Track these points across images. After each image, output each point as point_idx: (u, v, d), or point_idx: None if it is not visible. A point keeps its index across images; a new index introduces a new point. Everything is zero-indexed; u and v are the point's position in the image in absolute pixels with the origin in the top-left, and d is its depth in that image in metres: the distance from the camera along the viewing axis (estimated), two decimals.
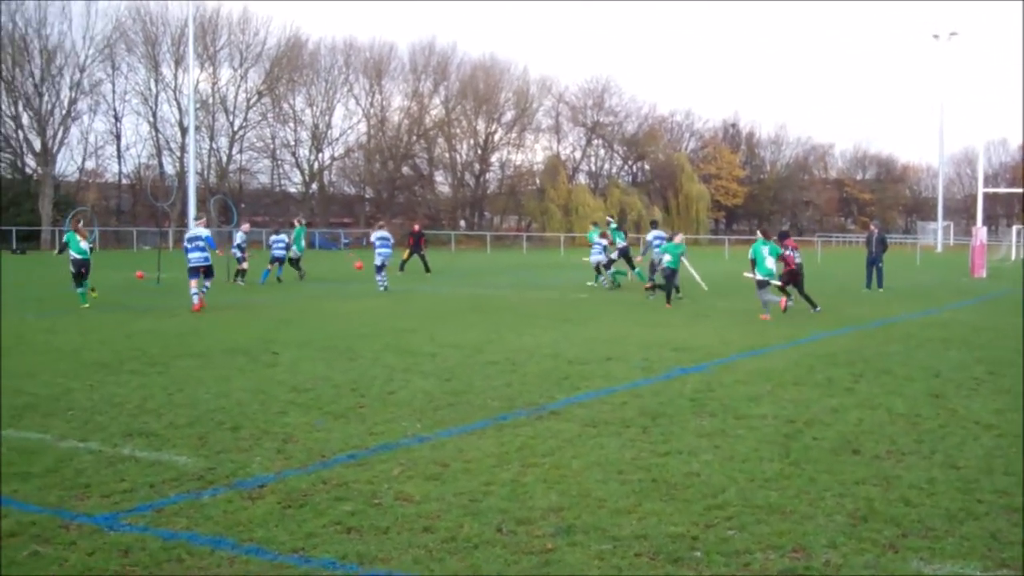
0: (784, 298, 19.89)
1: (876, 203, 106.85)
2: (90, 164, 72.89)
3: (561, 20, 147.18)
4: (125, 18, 69.84)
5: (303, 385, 10.71)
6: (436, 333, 15.92)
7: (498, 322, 17.88)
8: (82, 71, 66.66)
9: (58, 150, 66.63)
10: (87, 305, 20.42)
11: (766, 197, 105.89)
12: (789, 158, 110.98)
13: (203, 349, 13.59)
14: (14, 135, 65.87)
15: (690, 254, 24.84)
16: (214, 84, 74.32)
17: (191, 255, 20.63)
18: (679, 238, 22.33)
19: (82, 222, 23.54)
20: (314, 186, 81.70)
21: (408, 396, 10.12)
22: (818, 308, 20.35)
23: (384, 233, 27.11)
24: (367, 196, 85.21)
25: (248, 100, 75.91)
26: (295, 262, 30.32)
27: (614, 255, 28.32)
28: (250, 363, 12.39)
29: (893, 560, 5.44)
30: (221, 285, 26.74)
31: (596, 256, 28.64)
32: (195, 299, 20.04)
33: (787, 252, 20.96)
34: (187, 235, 21.81)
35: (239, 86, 75.36)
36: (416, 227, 38.46)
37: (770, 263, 19.67)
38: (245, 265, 28.61)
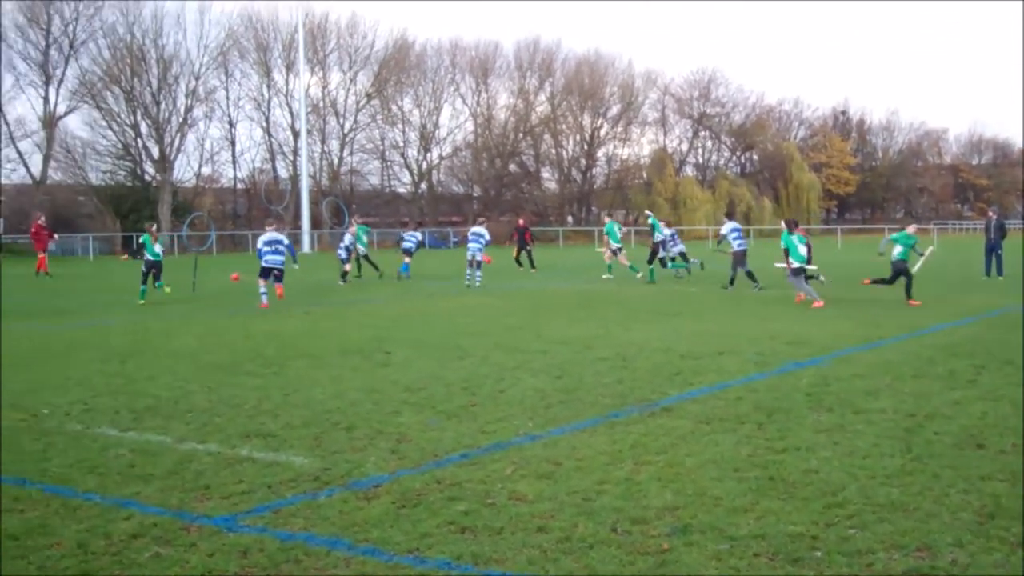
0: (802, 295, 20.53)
1: (993, 189, 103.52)
2: (206, 170, 74.66)
3: (666, 11, 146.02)
4: (237, 25, 71.36)
5: (415, 384, 10.79)
6: (545, 330, 15.90)
7: (607, 317, 17.79)
8: (197, 79, 68.25)
9: (175, 157, 68.34)
10: (143, 302, 22.22)
11: (879, 185, 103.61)
12: (902, 144, 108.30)
13: (317, 350, 13.79)
14: (133, 143, 67.76)
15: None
16: (324, 88, 75.52)
17: (267, 257, 21.70)
18: (912, 228, 21.27)
19: (156, 226, 26.16)
20: (423, 186, 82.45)
21: (519, 394, 10.12)
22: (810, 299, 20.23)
23: (477, 229, 27.48)
24: (475, 194, 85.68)
25: (357, 103, 76.94)
26: (367, 259, 30.49)
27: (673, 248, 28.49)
28: (363, 363, 12.53)
29: None
30: (332, 286, 27.14)
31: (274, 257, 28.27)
32: (263, 299, 21.13)
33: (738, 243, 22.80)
34: (263, 238, 22.47)
35: (349, 89, 76.44)
36: (521, 222, 38.71)
37: (802, 251, 20.62)
38: (348, 267, 29.04)
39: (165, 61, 66.48)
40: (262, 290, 21.41)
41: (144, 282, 22.95)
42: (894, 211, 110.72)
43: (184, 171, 72.04)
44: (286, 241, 22.42)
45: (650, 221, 29.54)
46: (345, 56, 76.08)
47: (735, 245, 24.76)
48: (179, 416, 9.23)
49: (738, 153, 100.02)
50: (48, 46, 63.12)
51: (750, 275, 24.13)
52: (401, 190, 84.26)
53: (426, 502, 6.33)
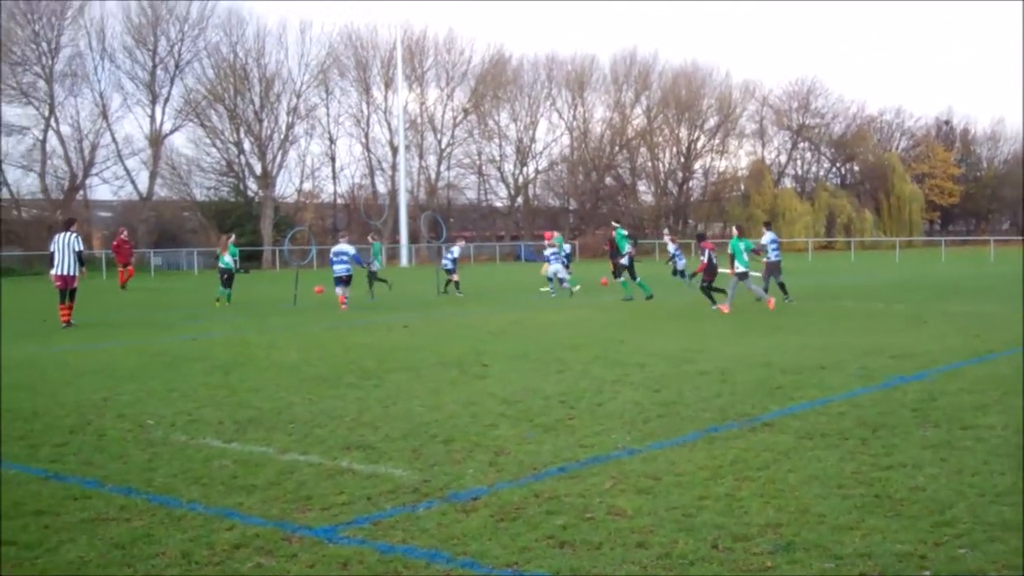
0: (771, 298, 21.86)
1: None
2: (307, 185, 75.97)
3: (764, 20, 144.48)
4: (337, 44, 72.55)
5: (513, 397, 10.79)
6: (644, 343, 15.80)
7: (706, 331, 17.62)
8: (298, 97, 69.56)
9: (277, 173, 69.68)
10: (218, 304, 26.08)
11: (983, 195, 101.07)
12: (1007, 154, 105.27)
13: (416, 362, 13.88)
14: (236, 160, 69.26)
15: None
16: (422, 104, 76.34)
17: (336, 267, 25.45)
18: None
19: (233, 237, 29.82)
20: (519, 199, 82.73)
21: (617, 408, 10.05)
22: (715, 306, 22.23)
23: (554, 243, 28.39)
24: (571, 208, 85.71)
25: (455, 118, 77.62)
26: (375, 276, 29.77)
27: (624, 261, 27.83)
28: (461, 375, 12.57)
29: None
30: (430, 298, 27.34)
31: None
32: (343, 301, 24.80)
33: (702, 258, 23.47)
34: (334, 250, 26.13)
35: (446, 105, 77.22)
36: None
37: (747, 257, 22.33)
38: (456, 277, 29.40)
39: (267, 79, 67.90)
40: (339, 291, 25.22)
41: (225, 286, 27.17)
42: (1000, 222, 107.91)
43: (286, 187, 73.49)
44: (351, 252, 25.97)
45: (618, 232, 28.80)
46: (442, 72, 76.93)
47: (772, 256, 25.07)
48: (281, 427, 9.36)
49: (838, 164, 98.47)
50: (155, 67, 64.99)
51: (782, 287, 24.57)
52: (497, 204, 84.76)
53: (524, 516, 6.31)
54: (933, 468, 7.32)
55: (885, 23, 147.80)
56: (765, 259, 24.97)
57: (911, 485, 6.86)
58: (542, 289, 30.14)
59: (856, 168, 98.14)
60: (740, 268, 22.28)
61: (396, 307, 24.17)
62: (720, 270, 23.45)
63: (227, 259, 27.54)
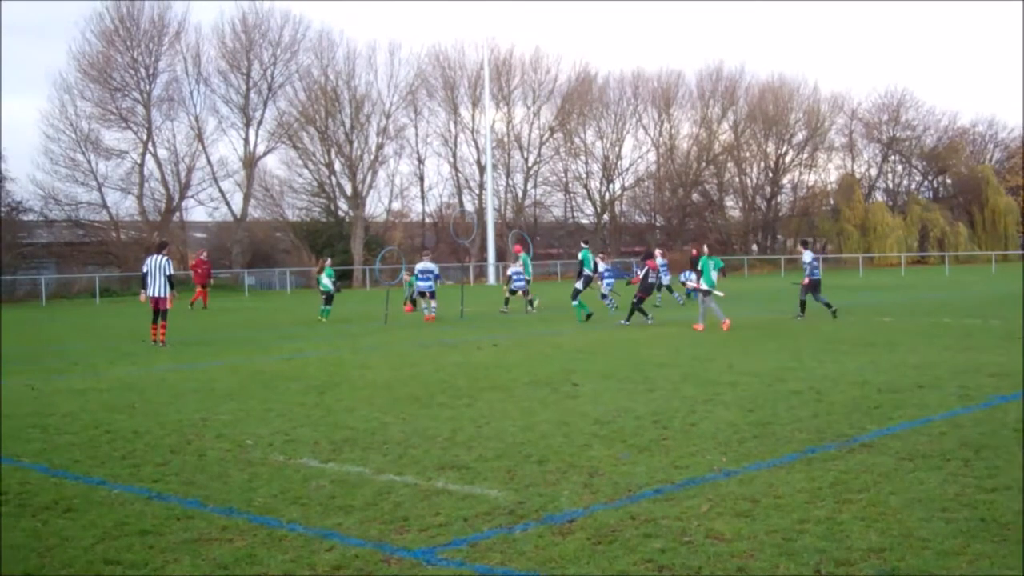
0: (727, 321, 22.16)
1: None
2: (396, 205, 76.71)
3: (853, 31, 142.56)
4: (426, 65, 73.23)
5: (605, 417, 10.77)
6: (734, 361, 15.67)
7: (798, 348, 17.40)
8: (388, 118, 70.27)
9: (367, 193, 70.42)
10: (323, 320, 28.52)
11: None
12: None
13: (507, 381, 13.93)
14: (327, 181, 70.17)
15: (1000, 271, 23.42)
16: (509, 123, 76.60)
17: (420, 283, 28.25)
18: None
19: (329, 260, 31.40)
20: (605, 216, 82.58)
21: (711, 428, 9.98)
22: (650, 319, 24.52)
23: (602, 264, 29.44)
24: (658, 224, 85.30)
25: (541, 136, 77.75)
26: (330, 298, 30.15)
27: (579, 284, 27.82)
28: (552, 395, 12.59)
29: None
30: (519, 316, 27.37)
31: (517, 283, 30.25)
32: (427, 312, 27.88)
33: (639, 272, 24.72)
34: (418, 267, 28.68)
35: (532, 123, 77.36)
36: (694, 252, 38.64)
37: (714, 275, 22.91)
38: (533, 299, 30.10)
39: (357, 101, 68.73)
40: (424, 308, 28.20)
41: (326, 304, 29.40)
42: None
43: (375, 206, 74.21)
44: (436, 270, 28.45)
45: (581, 255, 28.69)
46: (529, 91, 77.10)
47: (813, 274, 25.41)
48: (376, 447, 9.45)
49: (930, 177, 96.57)
50: (248, 90, 66.19)
51: (827, 304, 24.87)
52: (584, 221, 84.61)
53: (621, 538, 6.29)
54: None
55: (976, 32, 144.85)
56: (807, 278, 25.31)
57: (1017, 508, 6.70)
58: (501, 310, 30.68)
59: (949, 181, 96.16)
60: (704, 285, 22.84)
61: (485, 325, 24.26)
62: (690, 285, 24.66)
63: (325, 280, 29.78)
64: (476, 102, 73.34)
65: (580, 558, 5.93)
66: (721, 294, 22.93)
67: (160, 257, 21.46)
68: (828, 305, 24.79)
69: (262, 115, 67.06)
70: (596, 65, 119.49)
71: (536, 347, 19.15)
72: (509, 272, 31.14)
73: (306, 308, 30.11)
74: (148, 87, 63.05)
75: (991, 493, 7.12)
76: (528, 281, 30.10)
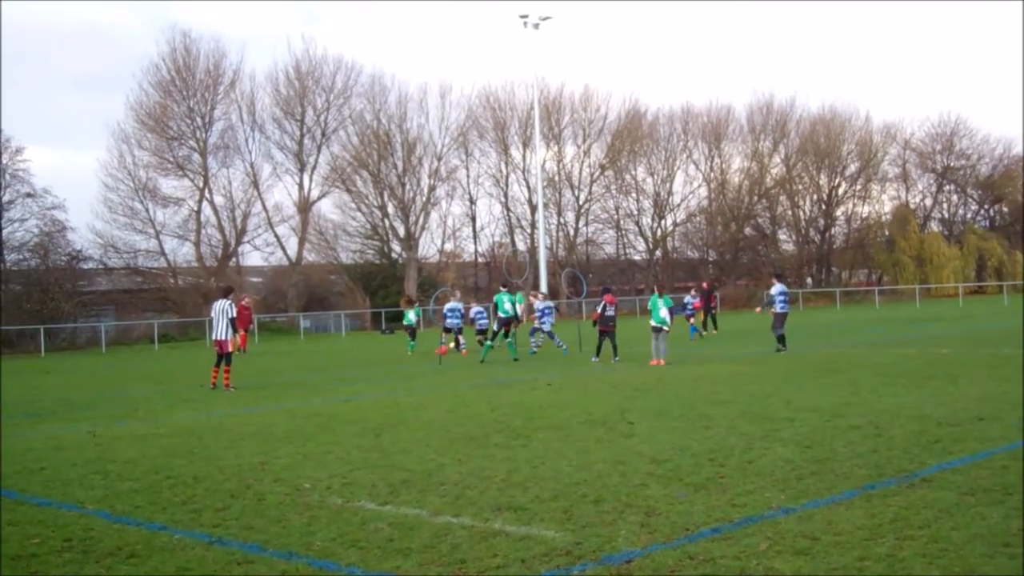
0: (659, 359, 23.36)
1: None
2: (448, 246, 77.15)
3: (904, 59, 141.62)
4: (476, 106, 73.80)
5: (661, 455, 10.73)
6: (791, 397, 15.55)
7: (855, 382, 17.24)
8: (439, 159, 70.88)
9: (420, 235, 70.91)
10: (411, 353, 31.35)
11: None
12: None
13: (562, 421, 13.93)
14: (381, 223, 70.78)
15: None
16: (559, 161, 76.87)
17: (448, 321, 30.64)
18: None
19: (407, 298, 36.08)
20: (658, 252, 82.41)
21: (768, 465, 9.91)
22: (597, 359, 25.31)
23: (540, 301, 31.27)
24: (711, 259, 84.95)
25: (592, 174, 77.93)
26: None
27: (494, 326, 28.00)
28: (607, 433, 12.56)
29: None
30: (572, 355, 27.35)
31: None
32: (455, 348, 30.68)
33: (597, 308, 25.87)
34: (447, 306, 31.23)
35: (583, 161, 77.58)
36: (705, 285, 38.98)
37: (663, 313, 23.84)
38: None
39: (409, 144, 69.39)
40: (453, 345, 30.69)
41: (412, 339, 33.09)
42: None
43: (428, 248, 74.66)
44: (461, 307, 31.30)
45: (495, 299, 28.01)
46: (579, 129, 77.41)
47: (778, 307, 26.08)
48: (433, 489, 9.49)
49: (986, 206, 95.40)
50: (302, 136, 67.10)
51: (781, 338, 25.77)
52: (636, 258, 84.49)
53: None
54: None
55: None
56: (773, 310, 26.21)
57: None
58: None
59: (1005, 209, 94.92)
60: (653, 323, 23.92)
61: (539, 365, 24.28)
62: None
63: (411, 315, 33.57)
64: (527, 142, 73.69)
65: None
66: (667, 329, 24.02)
67: (225, 302, 21.99)
68: (782, 340, 25.68)
69: (316, 160, 68.01)
70: (645, 101, 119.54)
71: (591, 385, 19.12)
72: (472, 313, 32.99)
73: (362, 350, 30.28)
74: (204, 135, 64.24)
75: None
76: (516, 319, 29.35)
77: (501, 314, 26.99)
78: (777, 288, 26.74)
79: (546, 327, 30.39)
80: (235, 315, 22.10)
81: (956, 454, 10.06)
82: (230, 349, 21.78)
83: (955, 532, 7.03)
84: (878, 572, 6.20)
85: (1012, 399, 14.02)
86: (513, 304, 26.53)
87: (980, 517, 7.43)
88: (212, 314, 22.45)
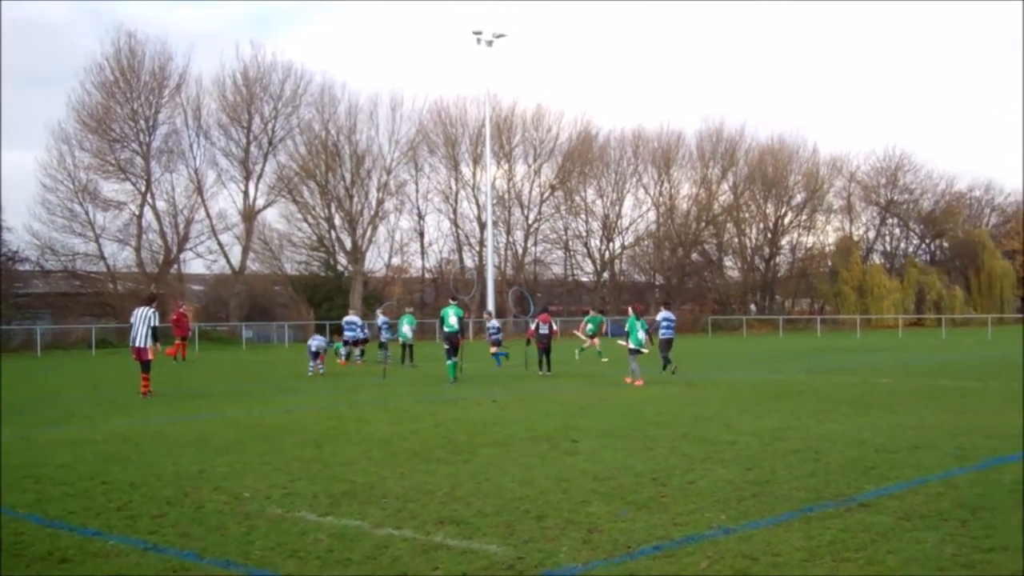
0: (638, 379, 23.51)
1: None
2: (396, 260, 76.76)
3: (852, 93, 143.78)
4: (427, 121, 73.60)
5: (604, 474, 10.76)
6: (733, 420, 15.67)
7: (796, 408, 17.41)
8: (388, 173, 70.49)
9: (367, 248, 70.48)
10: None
11: None
12: None
13: (506, 437, 13.92)
14: (327, 235, 70.30)
15: (996, 334, 23.55)
16: (510, 180, 76.94)
17: (346, 333, 34.52)
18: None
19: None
20: (605, 274, 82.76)
21: (710, 486, 9.98)
22: (544, 372, 26.89)
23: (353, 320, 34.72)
24: (657, 283, 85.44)
25: (542, 194, 78.06)
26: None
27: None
28: (551, 451, 12.57)
29: None
30: (518, 373, 27.37)
31: (350, 333, 34.83)
32: (345, 360, 33.94)
33: (532, 325, 27.90)
34: (345, 319, 35.56)
35: (533, 181, 77.68)
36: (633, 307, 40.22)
37: (641, 335, 24.42)
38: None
39: (358, 156, 68.97)
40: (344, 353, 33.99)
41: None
42: None
43: (375, 261, 74.23)
44: (359, 322, 35.52)
45: (443, 312, 26.94)
46: (530, 148, 77.51)
47: (662, 333, 27.73)
48: (375, 501, 9.44)
49: (927, 240, 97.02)
50: (249, 144, 66.46)
51: (667, 361, 27.10)
52: (584, 279, 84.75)
53: None
54: None
55: (974, 96, 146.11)
56: (659, 336, 27.60)
57: (1014, 569, 6.73)
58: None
59: (946, 244, 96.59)
60: (632, 345, 24.35)
61: (484, 382, 24.24)
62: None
63: (404, 329, 33.11)
64: (477, 159, 73.75)
65: None
66: (646, 351, 24.67)
67: (147, 309, 21.56)
68: (667, 360, 26.98)
69: (262, 168, 67.24)
70: (597, 123, 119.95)
71: (536, 403, 19.14)
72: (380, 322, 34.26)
73: (305, 362, 30.03)
74: (148, 139, 63.21)
75: (988, 553, 7.14)
76: (462, 334, 29.37)
77: (446, 329, 25.94)
78: (663, 315, 28.44)
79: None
80: (156, 323, 21.55)
81: (893, 480, 10.19)
82: (150, 357, 21.43)
83: (891, 555, 7.12)
84: None
85: (948, 428, 14.23)
86: (460, 319, 26.00)
87: (915, 541, 7.53)
88: (132, 320, 21.79)
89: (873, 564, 6.90)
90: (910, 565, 6.86)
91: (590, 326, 35.08)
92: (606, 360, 32.24)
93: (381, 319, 34.46)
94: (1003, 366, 27.94)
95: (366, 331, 36.48)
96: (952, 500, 9.05)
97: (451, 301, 27.03)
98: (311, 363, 29.31)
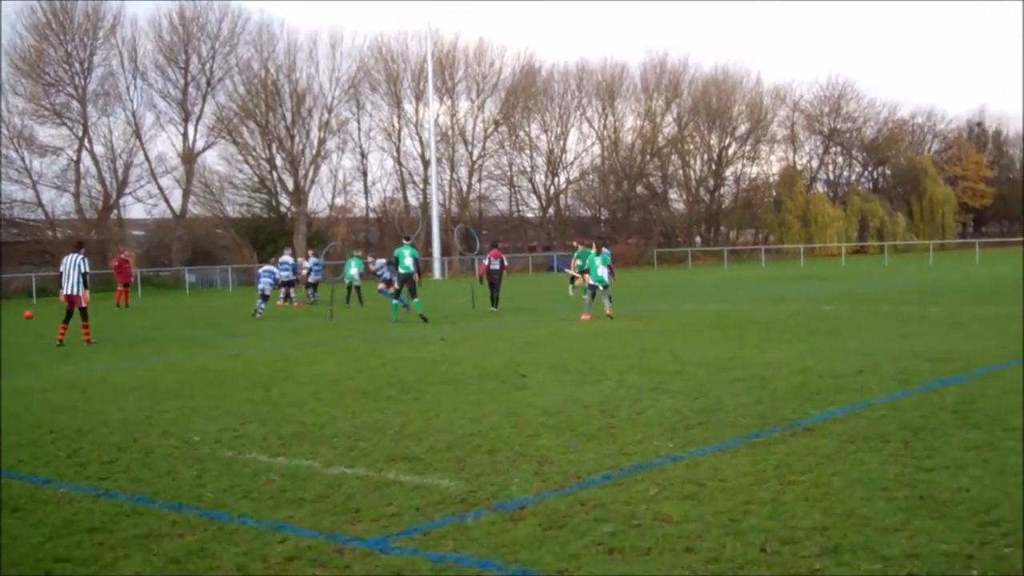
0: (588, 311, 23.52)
1: None
2: (339, 200, 76.26)
3: (793, 22, 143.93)
4: (368, 58, 72.76)
5: (553, 407, 10.85)
6: (680, 351, 15.84)
7: (742, 338, 17.62)
8: (330, 111, 69.82)
9: (309, 188, 69.90)
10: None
11: (1016, 197, 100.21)
12: None
13: (455, 375, 13.97)
14: (269, 176, 69.55)
15: (937, 260, 23.96)
16: (453, 116, 76.52)
17: (282, 273, 32.20)
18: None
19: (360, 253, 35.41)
20: (551, 210, 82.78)
21: (657, 415, 10.11)
22: (494, 309, 27.01)
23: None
24: (602, 217, 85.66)
25: (486, 130, 77.72)
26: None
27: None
28: (500, 387, 12.65)
29: None
30: (466, 311, 27.42)
31: (284, 273, 33.23)
32: (289, 302, 32.79)
33: (484, 261, 27.85)
34: (280, 260, 32.99)
35: (477, 117, 77.30)
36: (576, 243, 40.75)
37: (601, 271, 23.70)
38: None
39: (298, 95, 68.17)
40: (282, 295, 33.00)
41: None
42: None
43: (318, 202, 73.71)
44: (292, 262, 33.43)
45: (397, 252, 26.45)
46: (473, 84, 77.06)
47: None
48: (326, 441, 9.46)
49: (870, 168, 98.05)
50: (187, 85, 65.38)
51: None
52: (529, 215, 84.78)
53: (572, 524, 6.37)
54: (976, 469, 7.34)
55: (914, 23, 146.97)
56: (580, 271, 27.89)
57: (955, 486, 6.89)
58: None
59: (888, 172, 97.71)
60: (592, 281, 24.06)
61: (432, 321, 24.25)
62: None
63: (353, 272, 33.03)
64: (419, 96, 73.17)
65: (532, 543, 6.00)
66: (604, 287, 23.87)
67: (76, 256, 21.32)
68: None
69: (201, 110, 66.28)
70: (540, 57, 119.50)
71: (483, 341, 19.20)
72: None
73: (249, 305, 29.89)
74: (83, 82, 61.94)
75: (930, 472, 7.31)
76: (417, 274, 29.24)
77: (402, 270, 25.50)
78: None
79: (380, 286, 31.25)
80: (87, 269, 21.33)
81: (837, 404, 10.37)
82: (84, 304, 21.21)
83: (835, 477, 7.27)
84: (762, 515, 6.38)
85: (890, 353, 14.49)
86: (416, 259, 25.74)
87: (859, 463, 7.69)
88: (62, 268, 21.58)
89: (818, 486, 7.04)
90: (854, 486, 7.01)
91: (579, 261, 34.54)
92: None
93: (312, 260, 34.19)
94: (944, 291, 28.43)
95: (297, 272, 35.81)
96: (895, 422, 9.24)
97: (404, 241, 26.59)
98: (260, 304, 29.43)
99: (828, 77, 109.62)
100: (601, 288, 23.77)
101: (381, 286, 31.37)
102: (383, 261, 32.47)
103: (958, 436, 8.53)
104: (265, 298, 29.74)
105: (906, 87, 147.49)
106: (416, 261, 25.42)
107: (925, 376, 12.16)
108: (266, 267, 31.58)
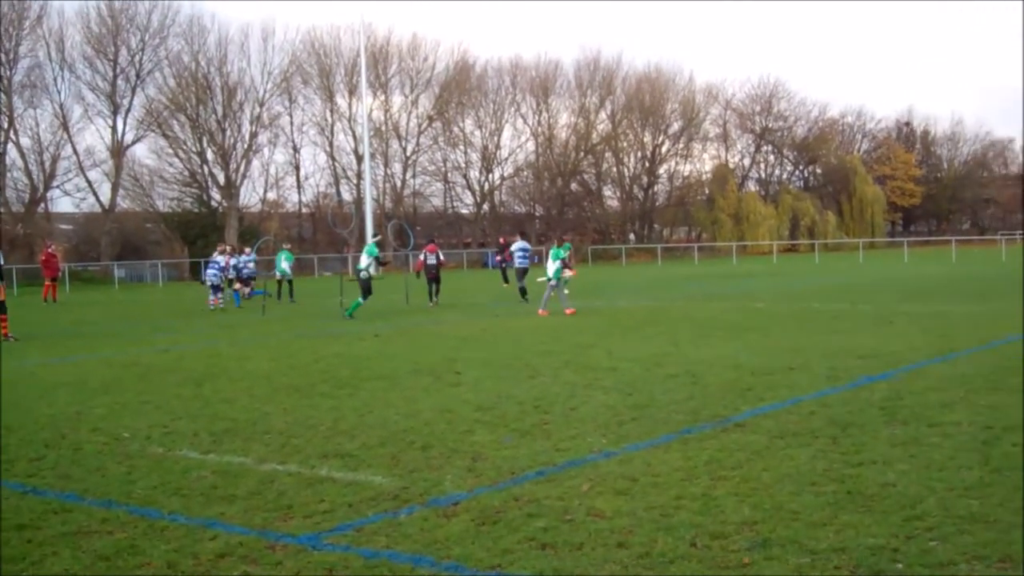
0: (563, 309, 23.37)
1: None
2: (271, 195, 75.67)
3: (726, 22, 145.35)
4: (300, 52, 72.18)
5: (487, 403, 10.87)
6: (614, 347, 15.93)
7: (675, 334, 17.77)
8: (261, 105, 69.16)
9: (241, 183, 69.28)
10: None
11: (944, 196, 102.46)
12: (967, 155, 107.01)
13: (389, 371, 13.93)
14: (199, 170, 68.78)
15: (867, 258, 24.40)
16: (387, 111, 76.18)
17: (210, 271, 30.79)
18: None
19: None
20: (485, 206, 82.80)
21: (591, 411, 10.16)
22: (432, 304, 27.27)
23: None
24: (537, 214, 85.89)
25: (419, 125, 77.51)
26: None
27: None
28: (435, 383, 12.64)
29: None
30: (400, 307, 27.35)
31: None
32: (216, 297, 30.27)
33: (420, 256, 28.15)
34: (212, 259, 31.72)
35: (411, 112, 77.04)
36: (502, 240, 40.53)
37: (551, 267, 23.78)
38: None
39: (230, 88, 67.49)
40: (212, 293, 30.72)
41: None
42: (960, 222, 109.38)
43: (250, 196, 73.11)
44: (221, 263, 31.30)
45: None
46: (407, 79, 76.82)
47: (517, 262, 28.56)
48: (257, 438, 9.39)
49: (801, 167, 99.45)
50: (116, 77, 64.39)
51: (523, 292, 27.77)
52: (464, 211, 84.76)
53: (505, 519, 6.40)
54: (902, 464, 7.48)
55: (844, 23, 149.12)
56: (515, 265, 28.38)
57: (882, 481, 7.01)
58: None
59: (819, 171, 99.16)
60: (548, 275, 24.07)
61: (366, 316, 24.16)
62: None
63: (284, 266, 32.73)
64: (352, 90, 72.75)
65: (465, 539, 6.01)
66: (554, 282, 23.90)
67: None
68: (523, 293, 27.57)
69: (130, 103, 65.37)
70: (475, 53, 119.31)
71: (418, 337, 19.17)
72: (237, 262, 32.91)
73: (179, 301, 29.58)
74: (8, 73, 60.71)
75: (857, 467, 7.43)
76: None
77: (360, 270, 25.45)
78: (518, 245, 29.02)
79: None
80: (2, 262, 21.03)
81: (768, 400, 10.51)
82: (1, 297, 20.83)
83: (765, 472, 7.37)
84: (693, 510, 6.45)
85: (820, 350, 14.70)
86: (375, 258, 25.64)
87: (789, 458, 7.80)
88: None
89: (748, 481, 7.13)
90: (783, 481, 7.11)
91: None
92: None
93: (245, 257, 33.70)
94: (873, 289, 28.88)
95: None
96: (824, 418, 9.38)
97: (370, 240, 27.09)
98: (211, 296, 29.61)
99: (760, 76, 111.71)
100: (549, 282, 23.98)
101: (237, 285, 31.79)
102: (248, 257, 33.02)
103: (885, 432, 8.68)
104: (217, 289, 29.78)
105: (836, 87, 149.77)
106: (377, 260, 26.07)
107: (854, 372, 12.36)
108: (213, 259, 31.66)
